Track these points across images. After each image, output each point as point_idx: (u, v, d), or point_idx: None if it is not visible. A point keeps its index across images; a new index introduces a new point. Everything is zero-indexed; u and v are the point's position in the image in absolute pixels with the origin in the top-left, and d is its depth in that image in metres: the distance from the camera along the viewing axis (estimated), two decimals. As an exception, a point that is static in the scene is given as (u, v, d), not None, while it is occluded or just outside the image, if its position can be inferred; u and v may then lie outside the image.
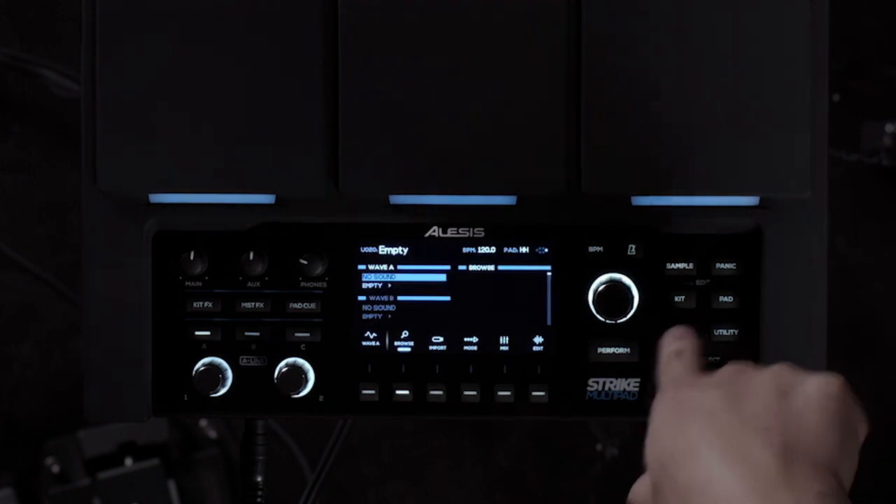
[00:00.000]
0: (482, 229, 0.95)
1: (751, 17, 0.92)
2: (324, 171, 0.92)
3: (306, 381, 0.95)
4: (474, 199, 0.94)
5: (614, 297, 0.94)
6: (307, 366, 0.95)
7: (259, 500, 1.01)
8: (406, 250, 0.95)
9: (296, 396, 0.95)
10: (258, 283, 0.95)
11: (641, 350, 0.95)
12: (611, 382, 0.95)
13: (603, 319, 0.94)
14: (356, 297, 0.95)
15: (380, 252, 0.95)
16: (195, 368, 0.95)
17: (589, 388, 0.95)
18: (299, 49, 0.92)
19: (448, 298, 0.95)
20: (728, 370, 0.80)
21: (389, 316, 0.95)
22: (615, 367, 0.95)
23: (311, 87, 0.92)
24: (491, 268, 0.95)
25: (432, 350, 0.95)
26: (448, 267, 0.95)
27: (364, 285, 0.95)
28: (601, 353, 0.95)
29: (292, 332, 0.95)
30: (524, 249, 0.95)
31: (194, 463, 1.74)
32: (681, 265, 0.95)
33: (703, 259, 0.95)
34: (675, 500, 0.79)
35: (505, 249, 0.95)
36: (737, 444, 0.77)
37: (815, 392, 0.78)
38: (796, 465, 0.77)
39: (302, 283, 0.95)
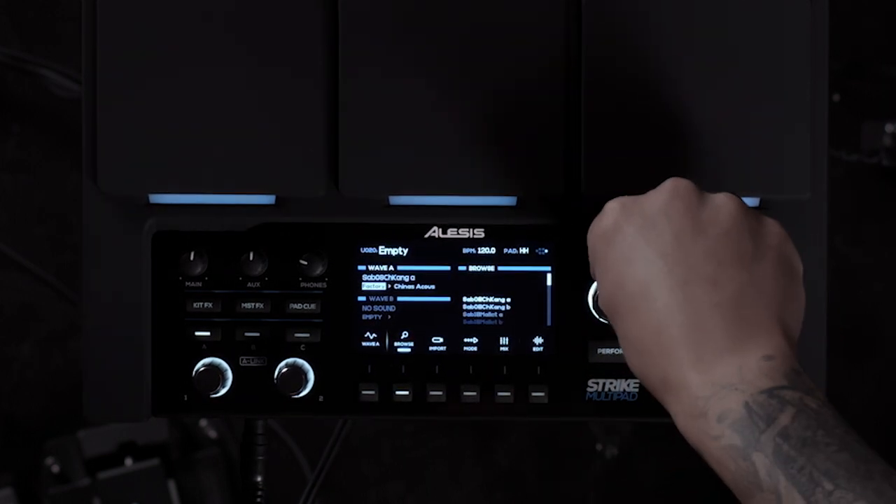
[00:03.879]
0: (482, 230, 0.95)
1: (751, 17, 0.92)
2: (324, 171, 0.92)
3: (306, 381, 0.95)
4: (474, 199, 0.94)
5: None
6: (307, 366, 0.95)
7: (259, 500, 1.01)
8: (406, 251, 0.95)
9: (296, 397, 0.95)
10: (258, 284, 0.95)
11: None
12: (610, 383, 0.95)
13: (603, 320, 0.94)
14: (356, 298, 0.95)
15: (380, 252, 0.95)
16: (195, 369, 0.95)
17: (589, 389, 0.95)
18: (299, 49, 0.92)
19: (448, 299, 0.95)
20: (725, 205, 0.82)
21: (389, 316, 0.95)
22: (615, 368, 0.94)
23: (311, 88, 0.92)
24: (491, 268, 0.95)
25: (432, 351, 0.95)
26: (448, 268, 0.95)
27: (364, 286, 0.95)
28: (601, 353, 0.95)
29: (292, 332, 0.95)
30: (524, 250, 0.95)
31: (194, 463, 1.74)
32: (681, 266, 0.95)
33: (703, 259, 0.95)
34: (623, 319, 0.82)
35: (505, 250, 0.95)
36: (690, 292, 0.79)
37: (775, 239, 0.82)
38: (744, 323, 0.77)
39: (302, 284, 0.95)
